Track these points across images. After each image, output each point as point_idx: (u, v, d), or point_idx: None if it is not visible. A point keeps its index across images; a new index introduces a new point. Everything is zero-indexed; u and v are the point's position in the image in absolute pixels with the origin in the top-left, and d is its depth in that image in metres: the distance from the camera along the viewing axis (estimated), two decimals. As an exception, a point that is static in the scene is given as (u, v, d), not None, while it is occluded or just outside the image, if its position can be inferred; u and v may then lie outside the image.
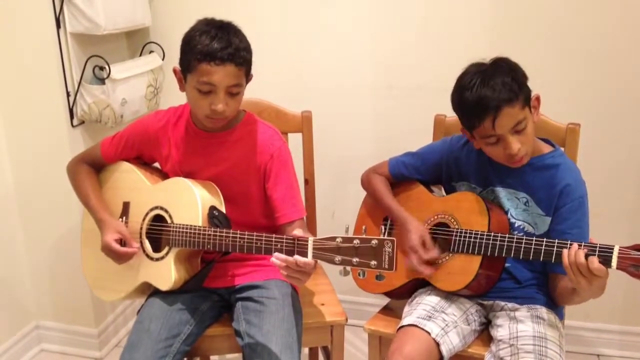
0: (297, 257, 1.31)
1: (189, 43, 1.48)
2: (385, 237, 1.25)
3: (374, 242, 1.25)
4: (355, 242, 1.27)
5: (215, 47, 1.44)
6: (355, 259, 1.27)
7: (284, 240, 1.37)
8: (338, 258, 1.29)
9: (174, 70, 1.56)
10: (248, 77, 1.54)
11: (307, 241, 1.33)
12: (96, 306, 2.28)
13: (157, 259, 1.57)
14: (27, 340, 2.31)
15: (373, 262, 1.26)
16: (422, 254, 1.53)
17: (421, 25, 2.13)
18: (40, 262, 2.26)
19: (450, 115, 1.81)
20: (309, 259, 1.32)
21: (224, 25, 1.50)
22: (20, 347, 2.27)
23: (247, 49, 1.50)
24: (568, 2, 1.99)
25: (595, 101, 2.04)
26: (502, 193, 1.55)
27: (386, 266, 1.25)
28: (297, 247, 1.34)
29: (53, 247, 2.23)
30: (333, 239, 1.29)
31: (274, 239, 1.39)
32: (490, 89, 1.38)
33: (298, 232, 1.38)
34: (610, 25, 1.97)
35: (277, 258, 1.32)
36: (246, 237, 1.44)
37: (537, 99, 1.46)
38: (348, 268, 1.30)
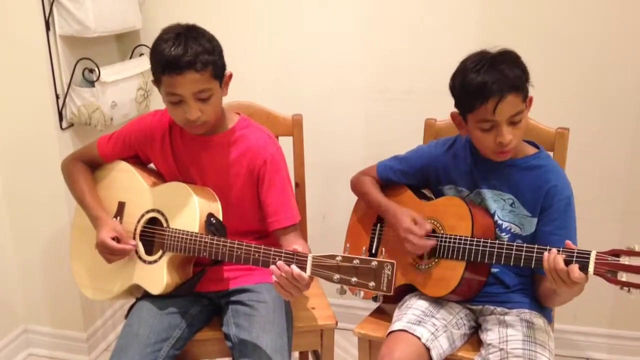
0: (293, 267, 1.31)
1: (152, 55, 1.47)
2: (386, 260, 1.25)
3: (374, 263, 1.25)
4: (355, 262, 1.27)
5: (172, 57, 1.41)
6: (353, 279, 1.27)
7: (283, 254, 1.36)
8: (336, 277, 1.28)
9: (153, 82, 1.54)
10: (221, 77, 1.51)
11: (307, 257, 1.32)
12: (85, 310, 2.26)
13: (150, 262, 1.56)
14: (15, 344, 2.29)
15: (371, 284, 1.25)
16: (417, 230, 1.53)
17: (412, 29, 2.14)
18: (28, 265, 2.24)
19: (441, 119, 1.83)
20: (308, 274, 1.32)
21: (182, 31, 1.46)
22: (9, 352, 2.25)
23: (209, 51, 1.45)
24: (558, 7, 2.00)
25: (584, 105, 2.05)
26: (488, 195, 1.56)
27: (384, 288, 1.25)
28: (295, 262, 1.34)
29: (42, 250, 2.21)
30: (333, 257, 1.29)
31: (272, 252, 1.38)
32: (499, 73, 1.38)
33: (291, 242, 1.38)
34: (600, 30, 1.98)
35: (278, 267, 1.33)
36: (244, 247, 1.43)
37: (531, 100, 1.47)
38: (345, 287, 1.30)
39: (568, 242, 1.33)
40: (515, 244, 1.42)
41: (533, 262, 1.38)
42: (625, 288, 1.25)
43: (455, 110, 1.51)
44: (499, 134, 1.42)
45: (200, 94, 1.46)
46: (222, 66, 1.51)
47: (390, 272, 1.24)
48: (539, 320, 1.51)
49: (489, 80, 1.38)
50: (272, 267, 1.33)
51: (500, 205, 1.55)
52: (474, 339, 1.58)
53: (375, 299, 1.30)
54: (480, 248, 1.46)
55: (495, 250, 1.44)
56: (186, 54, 1.41)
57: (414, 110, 2.05)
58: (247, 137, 1.61)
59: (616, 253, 1.27)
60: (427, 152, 1.67)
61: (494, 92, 1.37)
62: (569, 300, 1.46)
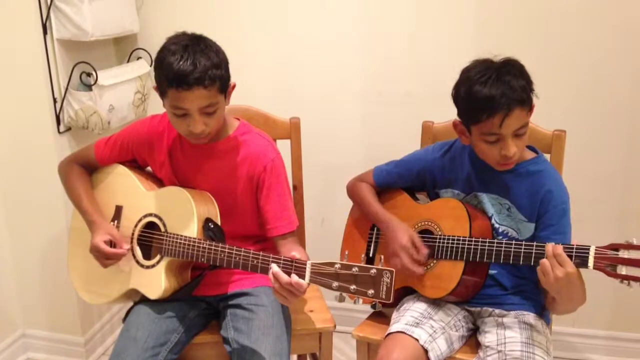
0: (293, 276, 1.31)
1: (159, 65, 1.45)
2: (385, 268, 1.24)
3: (373, 271, 1.25)
4: (354, 269, 1.26)
5: (181, 72, 1.39)
6: (352, 287, 1.27)
7: (282, 261, 1.36)
8: (335, 284, 1.28)
9: (154, 88, 1.52)
10: (226, 90, 1.50)
11: (305, 264, 1.32)
12: (83, 314, 2.26)
13: (148, 267, 1.56)
14: (13, 349, 2.28)
15: (370, 291, 1.25)
16: (413, 252, 1.53)
17: (410, 32, 2.14)
18: (26, 269, 2.24)
19: (438, 121, 1.83)
20: (306, 281, 1.31)
21: (191, 43, 1.43)
22: (6, 356, 2.25)
23: (217, 65, 1.43)
24: (555, 10, 2.01)
25: (580, 107, 2.06)
26: (486, 198, 1.56)
27: (383, 296, 1.24)
28: (294, 269, 1.34)
29: (39, 255, 2.21)
30: (332, 264, 1.29)
31: (270, 259, 1.38)
32: (507, 87, 1.37)
33: (289, 249, 1.38)
34: (597, 33, 1.99)
35: (274, 275, 1.32)
36: (242, 253, 1.43)
37: (533, 108, 1.46)
38: (344, 294, 1.30)
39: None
40: (513, 242, 1.42)
41: (532, 260, 1.38)
42: (625, 281, 1.26)
43: (457, 118, 1.51)
44: (504, 147, 1.41)
45: (206, 108, 1.45)
46: (228, 78, 1.50)
47: (389, 280, 1.23)
48: (537, 323, 1.51)
49: (496, 94, 1.37)
50: (270, 276, 1.33)
51: (497, 209, 1.55)
52: (472, 341, 1.58)
53: (374, 306, 1.30)
54: (479, 247, 1.46)
55: (494, 248, 1.44)
56: (195, 70, 1.39)
57: (412, 113, 2.05)
58: (247, 143, 1.61)
59: (615, 247, 1.28)
60: (424, 156, 1.67)
61: (501, 107, 1.36)
62: (572, 306, 1.44)
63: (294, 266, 1.34)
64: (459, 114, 1.49)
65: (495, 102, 1.37)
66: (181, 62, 1.39)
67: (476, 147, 1.49)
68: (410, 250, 1.53)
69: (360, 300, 1.29)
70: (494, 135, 1.41)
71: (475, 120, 1.42)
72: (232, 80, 1.55)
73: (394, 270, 1.24)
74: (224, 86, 1.48)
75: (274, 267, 1.34)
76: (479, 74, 1.41)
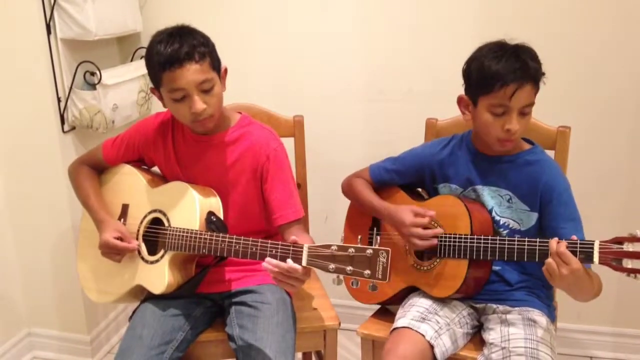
0: (289, 261, 1.31)
1: (148, 59, 1.50)
2: (380, 247, 1.24)
3: (369, 251, 1.25)
4: (350, 250, 1.27)
5: (170, 52, 1.44)
6: (349, 268, 1.27)
7: (279, 246, 1.37)
8: (332, 266, 1.29)
9: (151, 91, 1.55)
10: (219, 69, 1.53)
11: (302, 247, 1.33)
12: (89, 313, 2.27)
13: (152, 262, 1.56)
14: (19, 347, 2.29)
15: (367, 272, 1.25)
16: (421, 221, 1.52)
17: (412, 30, 2.14)
18: (31, 268, 2.24)
19: (441, 118, 1.83)
20: (303, 264, 1.31)
21: (174, 31, 1.49)
22: (12, 355, 2.26)
23: (204, 44, 1.49)
24: (558, 6, 2.00)
25: (585, 104, 2.05)
26: (485, 191, 1.56)
27: (380, 276, 1.25)
28: (292, 253, 1.34)
29: (45, 253, 2.22)
30: (328, 246, 1.29)
31: (269, 245, 1.39)
32: (522, 63, 1.41)
33: (296, 236, 1.38)
34: (601, 29, 1.98)
35: (269, 263, 1.32)
36: (242, 241, 1.44)
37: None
38: (341, 277, 1.30)
39: (573, 236, 1.34)
40: (516, 238, 1.42)
41: (537, 256, 1.37)
42: (632, 275, 1.26)
43: (464, 95, 1.52)
44: (508, 121, 1.43)
45: (202, 84, 1.47)
46: (218, 60, 1.53)
47: (385, 260, 1.24)
48: (541, 319, 1.51)
49: (512, 67, 1.40)
50: (264, 264, 1.33)
51: (497, 202, 1.55)
52: (477, 338, 1.58)
53: (372, 287, 1.30)
54: (482, 244, 1.46)
55: (497, 245, 1.44)
56: (183, 47, 1.44)
57: (414, 110, 2.05)
58: (250, 134, 1.62)
59: (619, 241, 1.27)
60: (422, 152, 1.67)
61: (516, 79, 1.40)
62: (586, 296, 1.41)
63: (292, 250, 1.34)
64: (467, 88, 1.51)
65: (511, 73, 1.40)
66: (168, 45, 1.45)
67: (480, 121, 1.48)
68: (419, 222, 1.52)
69: (359, 283, 1.29)
70: (502, 107, 1.42)
71: (486, 90, 1.43)
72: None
73: (389, 250, 1.24)
74: (216, 64, 1.51)
75: (269, 260, 1.32)
76: (495, 49, 1.45)
